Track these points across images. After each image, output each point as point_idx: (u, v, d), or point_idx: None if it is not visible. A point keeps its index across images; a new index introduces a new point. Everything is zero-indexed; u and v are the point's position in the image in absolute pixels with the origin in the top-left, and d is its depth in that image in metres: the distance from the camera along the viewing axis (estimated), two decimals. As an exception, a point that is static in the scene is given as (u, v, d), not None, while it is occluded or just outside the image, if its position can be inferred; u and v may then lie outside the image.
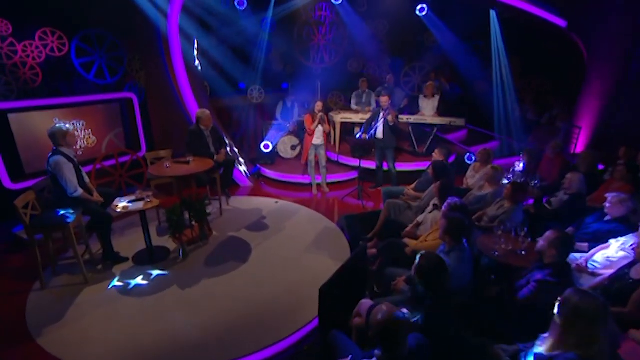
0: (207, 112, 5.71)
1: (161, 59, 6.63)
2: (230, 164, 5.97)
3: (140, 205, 4.50)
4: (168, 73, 6.70)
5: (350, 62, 10.04)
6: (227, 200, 6.38)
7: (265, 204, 6.20)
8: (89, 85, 6.42)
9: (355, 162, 6.76)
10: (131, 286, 4.26)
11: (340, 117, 7.63)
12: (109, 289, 4.20)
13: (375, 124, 6.25)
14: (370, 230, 4.67)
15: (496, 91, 8.05)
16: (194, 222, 5.05)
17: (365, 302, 2.74)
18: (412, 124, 7.35)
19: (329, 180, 6.76)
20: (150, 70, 7.02)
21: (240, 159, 7.30)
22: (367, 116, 6.88)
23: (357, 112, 7.98)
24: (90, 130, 6.36)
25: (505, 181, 4.71)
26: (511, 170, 5.18)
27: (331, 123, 7.10)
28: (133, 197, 4.61)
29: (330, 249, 4.70)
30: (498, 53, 8.03)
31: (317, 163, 6.43)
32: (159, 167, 5.19)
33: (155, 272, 4.52)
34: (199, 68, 7.24)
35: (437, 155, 5.06)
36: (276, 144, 7.81)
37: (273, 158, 7.74)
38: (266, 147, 7.69)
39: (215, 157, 5.67)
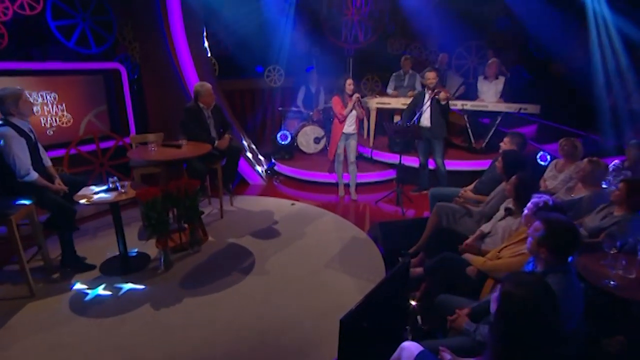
0: (208, 85, 5.19)
1: (160, 29, 6.23)
2: (235, 153, 5.45)
3: (109, 196, 3.83)
4: (168, 47, 6.30)
5: (391, 41, 9.52)
6: (231, 199, 5.90)
7: (278, 206, 5.84)
8: (69, 53, 5.89)
9: (393, 159, 6.48)
10: (89, 303, 3.67)
11: (375, 103, 7.12)
12: (59, 307, 3.62)
13: (420, 109, 5.71)
14: (413, 242, 4.21)
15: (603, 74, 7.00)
16: (184, 224, 4.54)
17: (409, 347, 2.09)
18: (468, 111, 6.67)
19: (359, 181, 6.27)
20: (146, 41, 6.62)
21: (259, 156, 7.03)
22: (410, 101, 6.34)
23: (396, 97, 7.39)
24: (63, 105, 5.81)
25: (605, 185, 4.03)
26: (611, 170, 4.38)
27: (365, 110, 6.50)
28: (105, 187, 3.95)
29: (358, 266, 4.19)
30: (600, 20, 7.00)
31: (345, 158, 5.98)
32: (141, 150, 4.69)
33: (126, 286, 3.97)
34: (206, 45, 6.92)
35: (507, 145, 4.26)
36: (296, 135, 7.42)
37: (292, 152, 7.39)
38: (283, 137, 7.33)
39: (217, 142, 5.18)
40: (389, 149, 6.77)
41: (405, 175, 6.03)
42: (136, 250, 4.53)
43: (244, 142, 6.89)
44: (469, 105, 6.70)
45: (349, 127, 5.75)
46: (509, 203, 3.47)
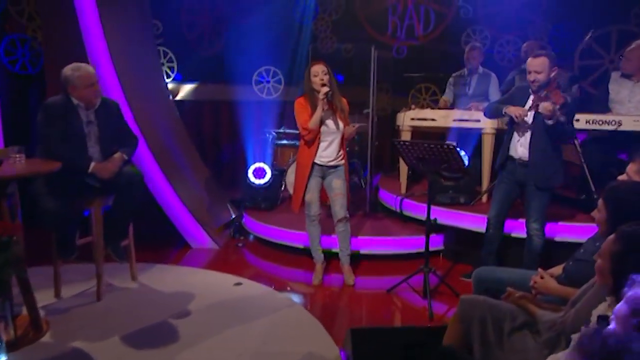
0: (87, 69, 4.55)
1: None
2: (130, 187, 4.70)
3: None
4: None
5: (466, 35, 8.84)
6: (132, 269, 5.16)
7: (214, 286, 5.30)
8: None
9: (435, 215, 5.81)
10: None
11: (409, 119, 6.34)
12: None
13: (513, 126, 4.95)
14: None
15: None
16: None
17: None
18: (588, 137, 5.93)
19: (368, 252, 5.85)
20: (53, 18, 6.20)
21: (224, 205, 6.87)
22: (472, 116, 5.88)
23: (447, 109, 6.78)
24: None
25: None
26: None
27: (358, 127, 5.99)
28: None
29: None
30: None
31: (327, 208, 5.58)
32: None
33: None
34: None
35: (632, 173, 3.44)
36: (285, 172, 6.98)
37: (274, 198, 6.94)
38: (259, 174, 6.87)
39: (93, 166, 4.47)
40: (429, 195, 5.87)
41: (458, 244, 5.84)
42: None
43: (193, 179, 6.57)
44: (591, 119, 5.66)
45: (327, 152, 5.15)
46: (606, 304, 2.42)
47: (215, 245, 6.19)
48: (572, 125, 4.87)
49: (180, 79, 8.20)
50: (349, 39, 9.06)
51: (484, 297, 3.13)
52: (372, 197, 6.72)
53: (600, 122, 5.62)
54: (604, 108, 5.90)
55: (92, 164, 4.40)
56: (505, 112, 4.72)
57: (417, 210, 6.21)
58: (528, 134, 4.76)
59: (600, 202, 2.95)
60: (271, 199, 6.83)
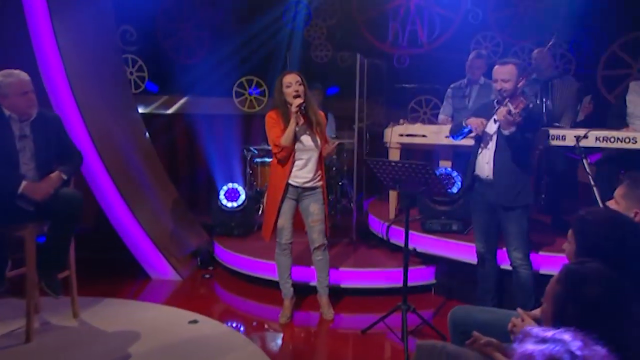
0: (21, 76, 4.42)
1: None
2: (70, 209, 4.54)
3: None
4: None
5: (476, 42, 8.78)
6: (73, 306, 5.00)
7: (165, 324, 5.16)
8: None
9: (423, 245, 5.97)
10: None
11: (397, 135, 6.42)
12: None
13: (480, 140, 4.96)
14: None
15: None
16: None
17: None
18: (602, 156, 5.84)
19: (349, 285, 5.83)
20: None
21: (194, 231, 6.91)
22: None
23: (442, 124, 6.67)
24: None
25: None
26: None
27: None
28: None
29: None
30: None
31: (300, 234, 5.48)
32: None
33: None
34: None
35: (617, 201, 3.36)
36: (263, 194, 6.83)
37: (249, 223, 6.88)
38: (232, 196, 6.80)
39: (23, 185, 4.30)
40: (421, 227, 6.08)
41: (451, 278, 5.77)
42: None
43: (157, 201, 6.58)
44: (601, 135, 5.45)
45: (302, 172, 5.06)
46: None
47: (179, 277, 6.11)
48: (534, 136, 4.89)
49: (157, 91, 8.27)
50: (345, 47, 9.01)
51: (444, 344, 3.03)
52: (362, 223, 6.72)
53: (612, 139, 5.47)
54: (621, 123, 5.78)
55: (23, 184, 4.25)
56: (465, 124, 4.75)
57: (410, 238, 5.81)
58: (489, 150, 4.81)
59: (569, 232, 2.84)
60: (245, 224, 6.76)
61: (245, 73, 8.17)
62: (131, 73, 7.62)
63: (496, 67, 4.71)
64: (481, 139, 4.78)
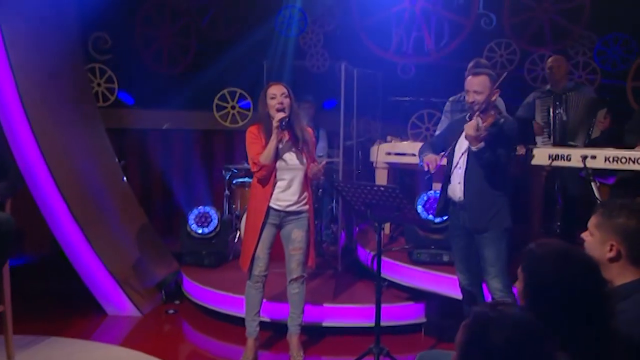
0: None
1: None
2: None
3: None
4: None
5: (489, 49, 8.72)
6: (9, 349, 4.94)
7: None
8: None
9: (408, 278, 5.94)
10: None
11: (384, 153, 6.48)
12: None
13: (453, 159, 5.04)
14: None
15: None
16: None
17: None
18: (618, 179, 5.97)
19: (328, 324, 5.77)
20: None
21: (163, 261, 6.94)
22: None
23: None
24: None
25: None
26: None
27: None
28: None
29: None
30: None
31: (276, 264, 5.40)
32: None
33: None
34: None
35: (593, 228, 3.30)
36: (240, 217, 6.95)
37: (222, 251, 6.79)
38: (202, 221, 6.74)
39: None
40: (409, 257, 6.02)
41: (443, 316, 5.76)
42: None
43: (120, 226, 6.49)
44: (607, 157, 5.37)
45: (285, 194, 5.01)
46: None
47: (139, 313, 6.02)
48: (509, 153, 4.90)
49: (132, 103, 8.30)
50: (344, 56, 8.56)
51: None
52: (351, 252, 6.68)
53: (624, 160, 5.31)
54: (638, 140, 5.80)
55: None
56: (422, 158, 4.93)
57: (393, 270, 6.01)
58: (461, 168, 4.89)
59: (519, 269, 2.74)
60: (218, 253, 6.65)
61: (229, 84, 8.14)
62: (99, 84, 7.70)
63: (469, 77, 4.75)
64: (452, 157, 4.80)
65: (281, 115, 4.71)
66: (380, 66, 8.68)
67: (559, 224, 6.65)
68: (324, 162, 5.39)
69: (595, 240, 2.87)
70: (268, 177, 4.87)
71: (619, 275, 2.71)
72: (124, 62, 8.05)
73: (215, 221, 6.63)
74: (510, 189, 4.94)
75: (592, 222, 3.05)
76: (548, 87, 6.80)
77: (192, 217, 6.66)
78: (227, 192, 7.33)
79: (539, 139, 6.55)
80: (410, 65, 8.80)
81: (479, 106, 4.59)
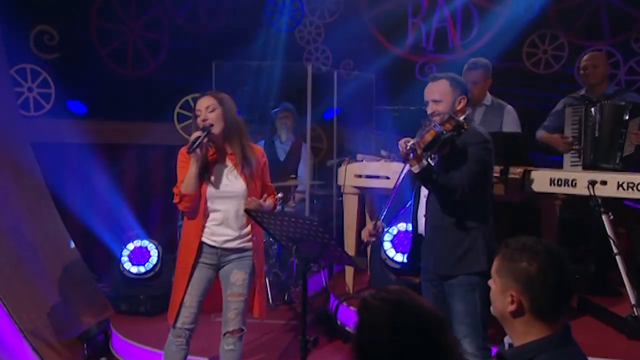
0: None
1: None
2: None
3: None
4: None
5: (530, 44, 8.82)
6: None
7: None
8: None
9: None
10: None
11: (353, 176, 6.52)
12: None
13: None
14: None
15: None
16: None
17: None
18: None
19: None
20: None
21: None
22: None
23: None
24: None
25: None
26: None
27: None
28: None
29: None
30: None
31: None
32: None
33: None
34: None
35: (494, 272, 3.37)
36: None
37: (163, 297, 6.33)
38: (139, 257, 6.74)
39: None
40: None
41: None
42: None
43: (39, 260, 6.40)
44: (620, 184, 5.42)
45: (222, 227, 4.96)
46: None
47: None
48: (478, 175, 4.73)
49: (85, 112, 8.33)
50: (349, 53, 9.12)
51: None
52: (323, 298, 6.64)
53: (634, 187, 5.31)
54: None
55: None
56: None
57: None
58: (424, 197, 4.97)
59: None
60: (157, 297, 6.47)
61: (199, 89, 7.96)
62: (30, 89, 7.66)
63: (428, 84, 4.74)
64: (415, 183, 4.86)
65: (197, 134, 4.66)
66: (393, 65, 8.89)
67: (593, 265, 6.50)
68: (266, 196, 5.17)
69: (497, 290, 2.85)
70: (192, 209, 4.80)
71: (525, 334, 2.71)
72: (75, 61, 8.02)
73: (155, 258, 6.55)
74: (488, 221, 4.73)
75: (494, 266, 3.05)
76: (583, 92, 6.69)
77: (125, 253, 6.58)
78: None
79: (567, 158, 6.36)
80: (431, 64, 8.83)
81: (440, 117, 4.49)
